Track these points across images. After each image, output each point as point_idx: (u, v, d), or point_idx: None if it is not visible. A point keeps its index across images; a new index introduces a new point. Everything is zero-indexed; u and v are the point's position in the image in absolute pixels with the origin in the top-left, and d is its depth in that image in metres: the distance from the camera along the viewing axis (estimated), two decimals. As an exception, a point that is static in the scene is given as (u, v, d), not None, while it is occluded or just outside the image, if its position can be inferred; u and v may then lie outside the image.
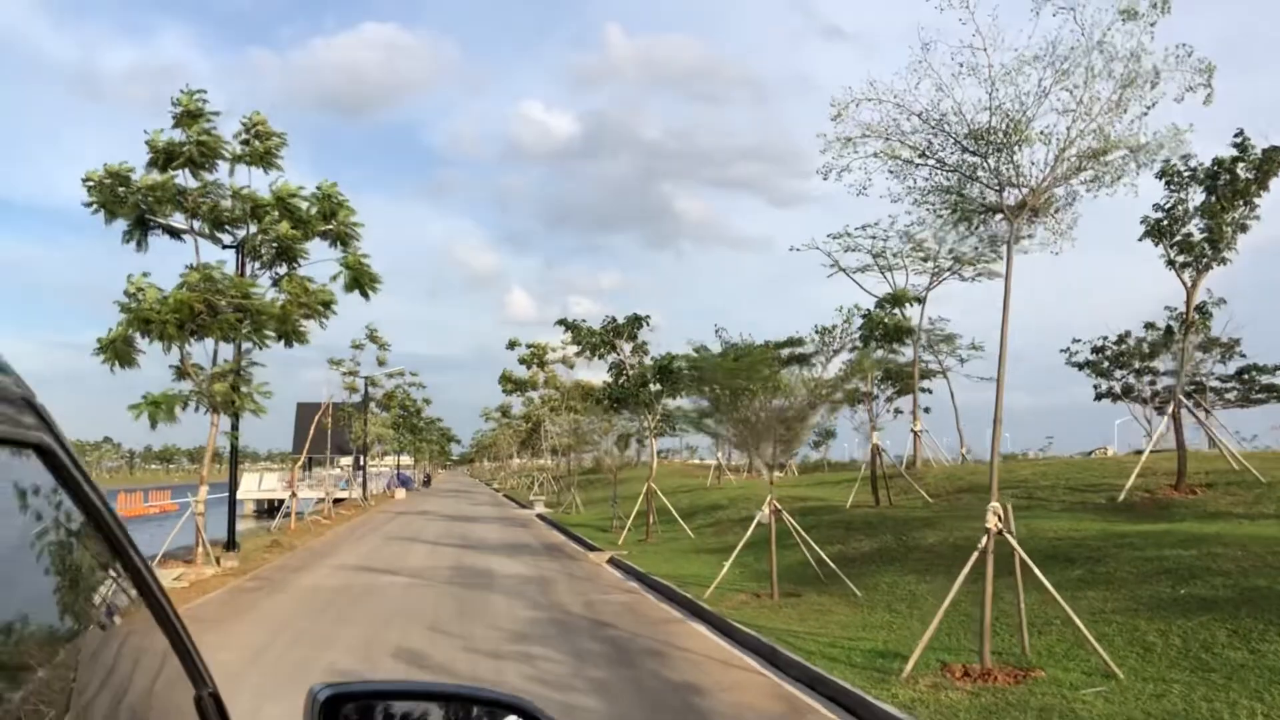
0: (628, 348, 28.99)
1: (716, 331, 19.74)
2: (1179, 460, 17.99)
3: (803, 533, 16.73)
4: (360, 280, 21.13)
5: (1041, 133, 9.52)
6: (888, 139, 10.26)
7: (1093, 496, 19.19)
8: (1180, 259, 17.47)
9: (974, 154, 9.89)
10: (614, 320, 28.40)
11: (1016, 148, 9.62)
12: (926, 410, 37.38)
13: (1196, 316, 18.07)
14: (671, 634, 13.29)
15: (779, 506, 16.53)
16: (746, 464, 49.04)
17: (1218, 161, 17.05)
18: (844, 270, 33.51)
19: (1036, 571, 9.88)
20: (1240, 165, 16.87)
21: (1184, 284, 17.82)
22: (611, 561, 22.31)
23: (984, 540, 10.16)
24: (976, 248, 27.04)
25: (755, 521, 16.53)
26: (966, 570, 10.20)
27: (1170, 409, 18.03)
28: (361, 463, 54.38)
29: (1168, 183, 17.22)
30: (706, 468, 64.39)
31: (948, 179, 10.28)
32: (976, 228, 11.15)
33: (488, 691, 2.04)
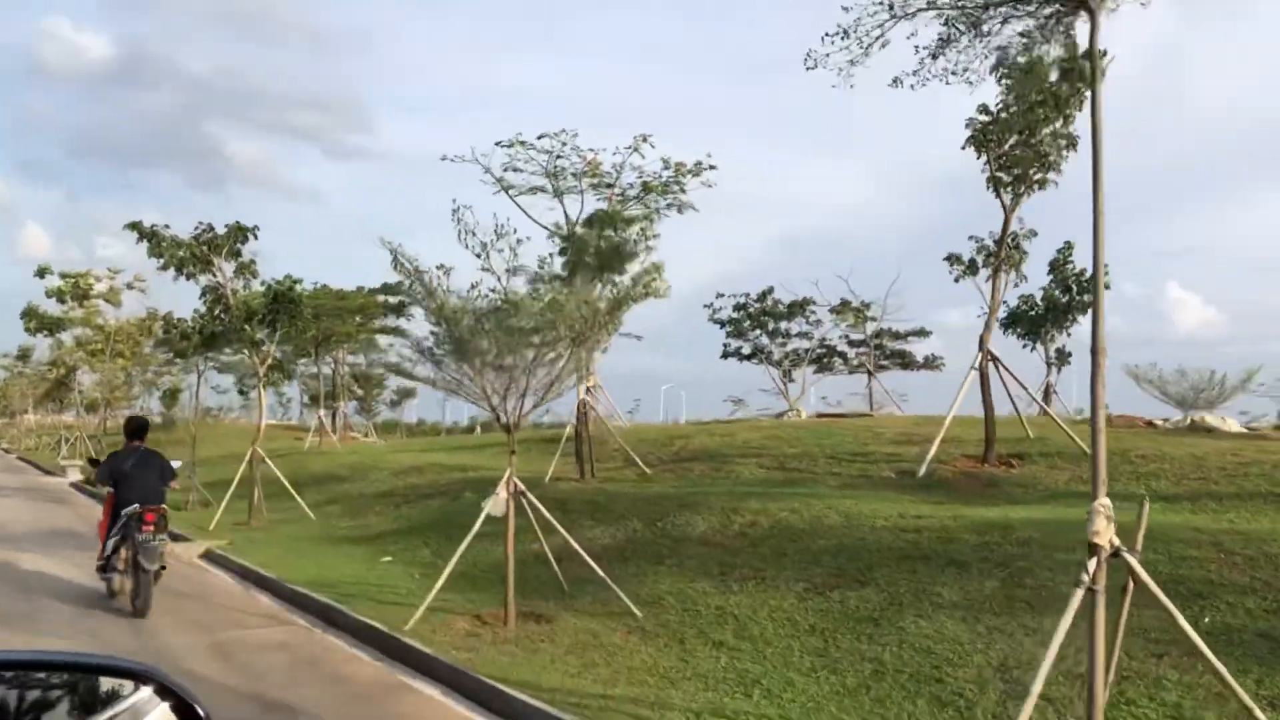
0: (229, 268, 21.33)
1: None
2: (986, 426, 14.86)
3: (560, 527, 11.31)
4: None
5: None
6: None
7: (874, 469, 15.58)
8: (1003, 175, 14.18)
9: None
10: (210, 229, 20.65)
11: None
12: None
13: (1011, 247, 15.00)
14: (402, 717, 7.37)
15: (521, 487, 10.92)
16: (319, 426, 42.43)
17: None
18: (507, 191, 28.39)
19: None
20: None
21: (1003, 205, 14.63)
22: (210, 557, 15.23)
23: (1092, 566, 5.45)
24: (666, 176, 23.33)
25: (483, 514, 10.80)
26: (1067, 621, 5.47)
27: (976, 361, 14.79)
28: None
29: (1002, 78, 13.75)
30: (280, 428, 55.96)
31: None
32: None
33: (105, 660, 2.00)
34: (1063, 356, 27.50)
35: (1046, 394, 27.81)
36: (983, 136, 14.11)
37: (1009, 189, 14.46)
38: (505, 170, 27.53)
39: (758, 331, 36.93)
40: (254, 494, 19.36)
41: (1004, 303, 28.17)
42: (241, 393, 51.79)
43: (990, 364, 14.86)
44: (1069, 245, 27.00)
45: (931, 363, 41.78)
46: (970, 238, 15.45)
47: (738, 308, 37.27)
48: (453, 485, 20.17)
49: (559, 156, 26.85)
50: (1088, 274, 26.58)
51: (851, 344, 42.33)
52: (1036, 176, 14.39)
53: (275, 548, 16.15)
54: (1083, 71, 14.42)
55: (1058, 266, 27.06)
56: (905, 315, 36.42)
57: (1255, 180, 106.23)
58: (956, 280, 15.54)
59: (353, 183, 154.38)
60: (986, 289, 15.74)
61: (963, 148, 14.49)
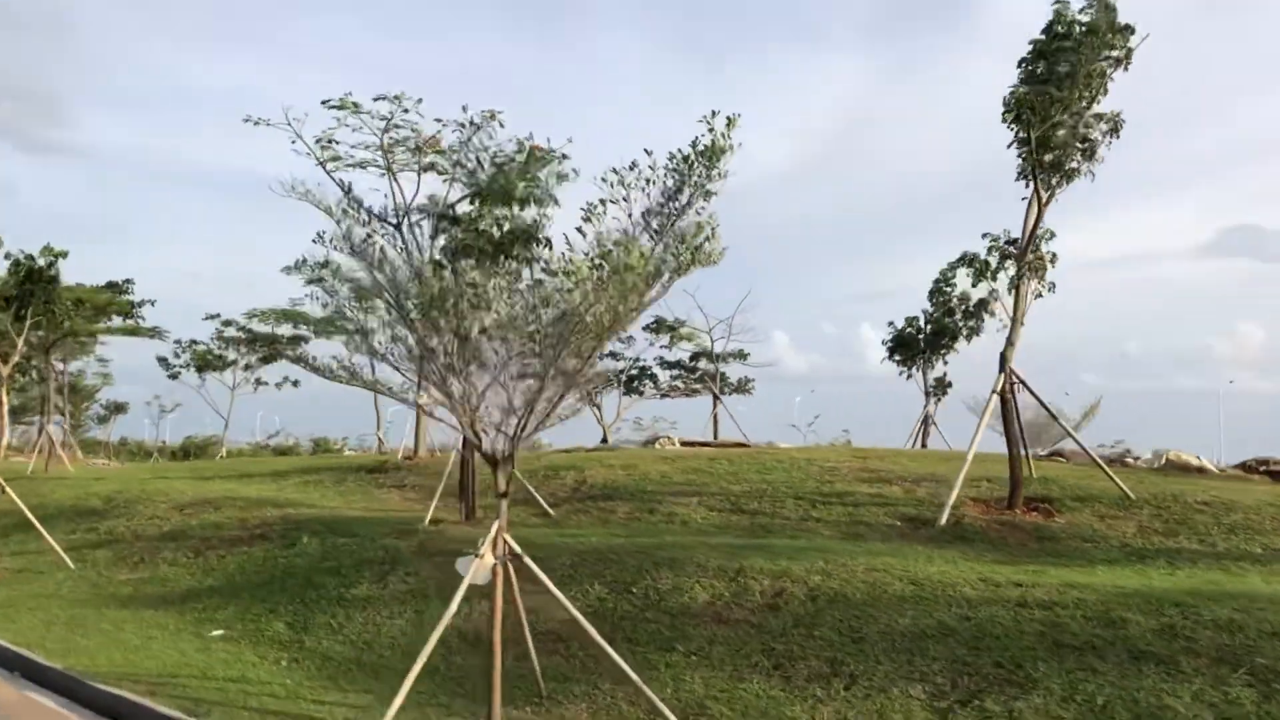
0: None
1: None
2: (1011, 465, 12.38)
3: (568, 604, 7.79)
4: None
5: None
6: None
7: (866, 514, 12.80)
8: (1046, 158, 11.87)
9: None
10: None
11: None
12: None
13: (1040, 249, 12.68)
14: None
15: (515, 548, 7.27)
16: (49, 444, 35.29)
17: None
18: (323, 165, 24.02)
19: None
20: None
21: (1038, 197, 12.31)
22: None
23: None
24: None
25: (464, 583, 7.04)
26: None
27: (998, 384, 12.32)
28: None
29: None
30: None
31: None
32: None
33: None
34: (942, 385, 26.08)
35: (925, 425, 26.34)
36: (1030, 109, 11.73)
37: (1045, 177, 12.16)
38: (324, 141, 23.32)
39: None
40: (-12, 537, 14.16)
41: (890, 324, 26.72)
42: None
43: (1014, 389, 12.44)
44: (953, 266, 25.72)
45: (743, 386, 40.26)
46: (985, 235, 13.09)
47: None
48: (270, 527, 15.70)
49: (397, 125, 22.93)
50: (974, 298, 25.37)
51: (665, 365, 40.15)
52: (1071, 165, 12.18)
53: (37, 613, 11.46)
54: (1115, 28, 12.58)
55: (939, 290, 25.72)
56: (756, 335, 34.43)
57: (937, 227, 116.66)
58: (974, 284, 13.10)
59: (47, 178, 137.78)
60: (975, 292, 13.37)
61: (1005, 121, 12.06)
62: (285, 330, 36.10)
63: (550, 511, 14.56)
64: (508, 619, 8.98)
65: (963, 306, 25.36)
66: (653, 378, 39.92)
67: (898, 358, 25.92)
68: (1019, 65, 12.60)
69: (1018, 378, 12.47)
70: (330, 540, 13.60)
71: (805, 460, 16.08)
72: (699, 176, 7.20)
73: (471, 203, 16.09)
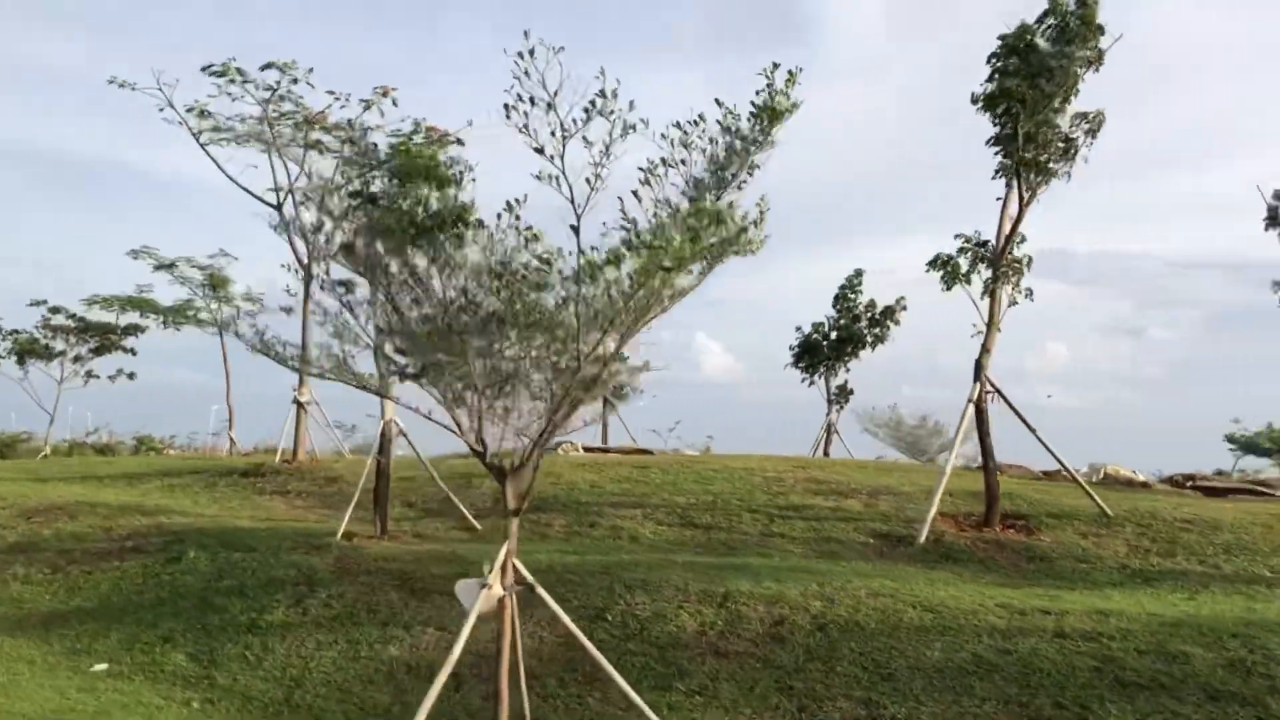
0: None
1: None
2: (987, 477, 11.73)
3: (589, 643, 6.59)
4: None
5: None
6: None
7: (833, 530, 11.98)
8: (1028, 155, 11.31)
9: None
10: None
11: None
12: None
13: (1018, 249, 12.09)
14: None
15: (528, 577, 6.02)
16: None
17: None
18: (196, 137, 22.24)
19: None
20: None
21: (1020, 196, 11.73)
22: None
23: None
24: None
25: (472, 615, 5.77)
26: None
27: (973, 393, 11.67)
28: None
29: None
30: None
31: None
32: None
33: None
34: (845, 393, 25.64)
35: (829, 434, 25.89)
36: (1020, 101, 11.10)
37: (1027, 175, 11.56)
38: (199, 110, 21.16)
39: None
40: None
41: (799, 329, 26.10)
42: None
43: (990, 398, 11.78)
44: (859, 273, 25.40)
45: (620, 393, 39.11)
46: (957, 236, 12.39)
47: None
48: (143, 538, 13.74)
49: (283, 97, 20.98)
50: (880, 305, 25.06)
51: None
52: (1053, 165, 11.65)
53: None
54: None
55: (844, 296, 25.33)
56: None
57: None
58: (949, 288, 12.38)
59: None
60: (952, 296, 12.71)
61: (991, 112, 11.39)
62: (131, 318, 32.97)
63: (475, 524, 13.16)
64: (479, 652, 7.77)
65: (869, 314, 25.07)
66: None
67: (802, 364, 25.38)
68: (990, 60, 12.03)
69: (993, 386, 11.86)
70: (223, 555, 11.87)
71: (744, 470, 15.14)
72: (753, 140, 6.10)
73: (390, 180, 14.59)
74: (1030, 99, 11.14)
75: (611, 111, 5.48)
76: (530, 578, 6.33)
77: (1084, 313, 77.48)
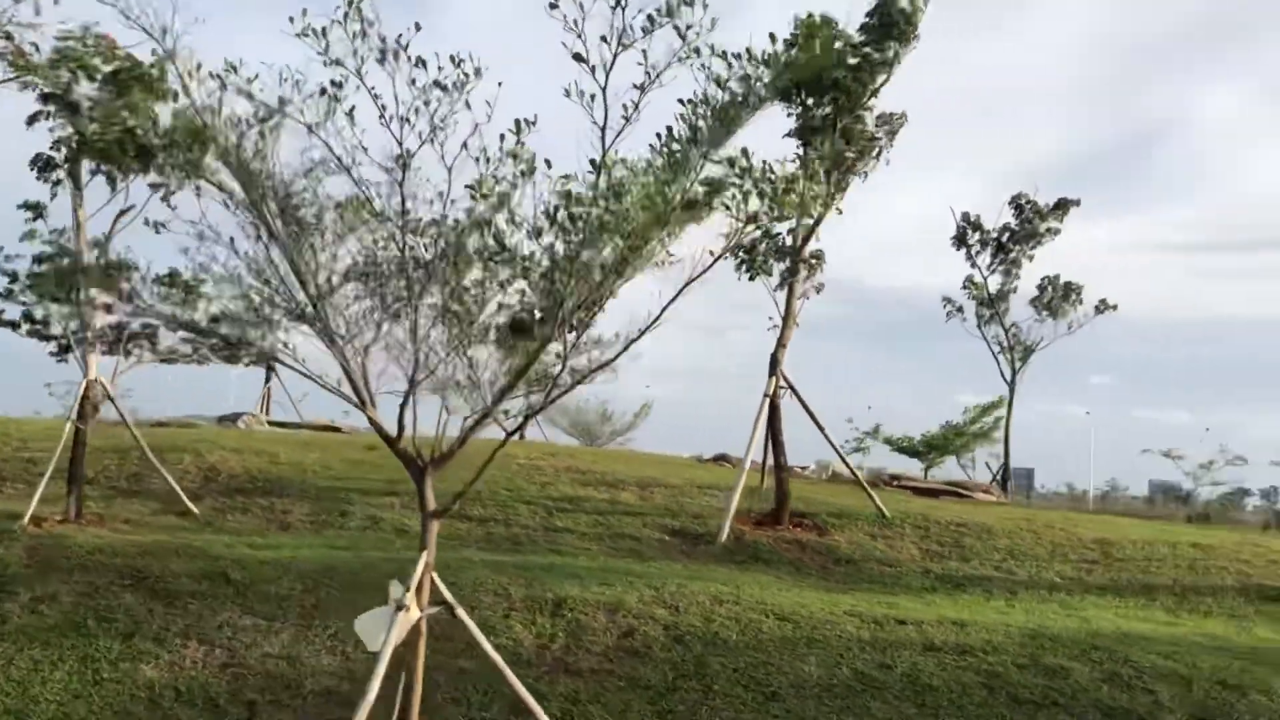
0: None
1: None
2: (778, 474, 11.40)
3: (504, 666, 5.35)
4: None
5: None
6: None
7: (623, 525, 11.19)
8: (841, 147, 11.20)
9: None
10: None
11: None
12: None
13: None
14: None
15: (447, 596, 4.89)
16: None
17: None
18: None
19: None
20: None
21: (829, 192, 11.53)
22: None
23: None
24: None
25: (386, 648, 4.43)
26: None
27: (769, 387, 11.33)
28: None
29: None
30: None
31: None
32: None
33: None
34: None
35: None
36: (846, 91, 10.79)
37: (837, 170, 11.32)
38: None
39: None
40: None
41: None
42: None
43: (785, 394, 11.40)
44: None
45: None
46: (758, 227, 11.83)
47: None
48: None
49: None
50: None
51: (176, 324, 34.79)
52: (859, 163, 11.54)
53: None
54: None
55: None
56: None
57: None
58: (752, 278, 11.85)
59: None
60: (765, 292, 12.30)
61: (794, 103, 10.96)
62: None
63: (192, 508, 10.93)
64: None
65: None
66: (150, 338, 34.15)
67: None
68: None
69: (787, 382, 11.54)
70: None
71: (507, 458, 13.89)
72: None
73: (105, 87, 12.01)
74: (853, 91, 10.91)
75: (689, 26, 4.28)
76: (450, 597, 4.95)
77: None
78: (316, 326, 4.90)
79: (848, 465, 13.21)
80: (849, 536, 11.17)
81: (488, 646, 5.18)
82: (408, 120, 4.61)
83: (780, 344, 11.62)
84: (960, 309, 26.53)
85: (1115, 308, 26.07)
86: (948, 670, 7.14)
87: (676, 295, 4.77)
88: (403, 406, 5.01)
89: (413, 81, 4.71)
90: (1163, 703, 6.76)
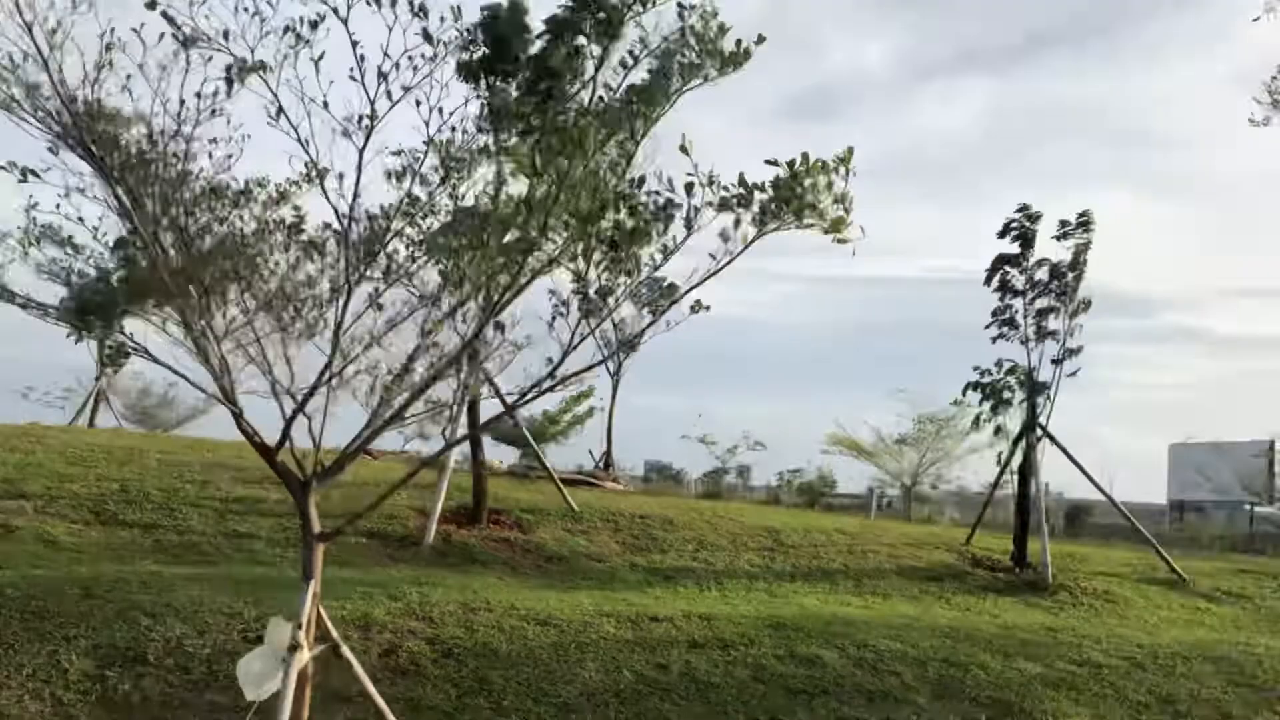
0: None
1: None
2: (475, 471, 10.96)
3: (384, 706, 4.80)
4: None
5: None
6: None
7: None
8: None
9: None
10: None
11: None
12: None
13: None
14: None
15: (333, 633, 4.45)
16: None
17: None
18: None
19: None
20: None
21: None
22: None
23: None
24: None
25: (277, 682, 3.89)
26: None
27: (458, 391, 10.92)
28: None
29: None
30: None
31: None
32: None
33: None
34: (118, 355, 21.80)
35: (97, 402, 21.88)
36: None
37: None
38: None
39: None
40: None
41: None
42: None
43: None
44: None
45: None
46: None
47: None
48: None
49: None
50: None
51: None
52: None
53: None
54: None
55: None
56: None
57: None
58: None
59: None
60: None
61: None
62: None
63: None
64: None
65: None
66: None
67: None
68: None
69: (485, 375, 11.06)
70: None
71: (122, 449, 11.95)
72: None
73: None
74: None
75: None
76: (335, 633, 4.18)
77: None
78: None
79: (541, 462, 13.10)
80: (550, 533, 11.03)
81: (373, 691, 4.45)
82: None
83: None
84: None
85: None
86: (719, 666, 7.30)
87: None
88: (294, 414, 4.17)
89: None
90: (908, 683, 7.40)
